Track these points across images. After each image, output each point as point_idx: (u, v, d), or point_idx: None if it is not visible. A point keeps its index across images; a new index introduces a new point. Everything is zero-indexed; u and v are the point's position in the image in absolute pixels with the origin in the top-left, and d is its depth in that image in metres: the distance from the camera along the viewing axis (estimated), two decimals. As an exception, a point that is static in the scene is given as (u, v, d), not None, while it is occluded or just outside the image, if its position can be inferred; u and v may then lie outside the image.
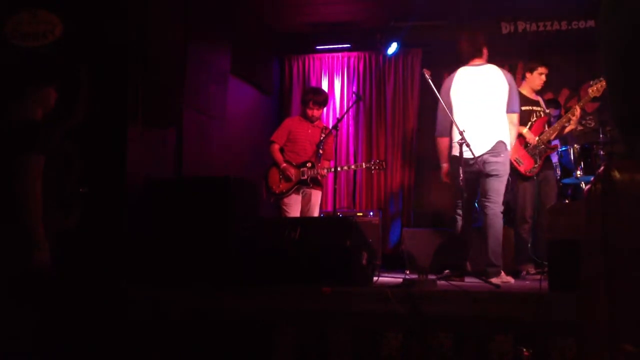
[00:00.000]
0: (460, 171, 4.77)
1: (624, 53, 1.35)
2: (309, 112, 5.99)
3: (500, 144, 4.87)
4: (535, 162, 5.35)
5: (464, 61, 5.11)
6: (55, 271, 3.32)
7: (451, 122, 4.97)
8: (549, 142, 5.41)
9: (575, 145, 5.87)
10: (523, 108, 5.45)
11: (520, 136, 5.39)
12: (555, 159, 6.14)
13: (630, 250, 1.19)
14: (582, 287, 1.29)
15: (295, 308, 3.79)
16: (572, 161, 5.83)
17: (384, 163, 5.97)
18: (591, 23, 6.82)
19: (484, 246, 4.80)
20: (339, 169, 6.15)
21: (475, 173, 4.88)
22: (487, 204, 4.85)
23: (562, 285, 3.60)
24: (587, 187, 1.28)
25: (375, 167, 5.94)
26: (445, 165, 5.19)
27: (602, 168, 1.25)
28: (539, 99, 5.63)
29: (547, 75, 5.61)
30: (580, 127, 6.44)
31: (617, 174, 1.21)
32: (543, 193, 5.31)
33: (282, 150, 5.98)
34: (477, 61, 5.10)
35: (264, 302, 3.86)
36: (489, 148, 4.84)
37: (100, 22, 4.59)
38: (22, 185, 3.11)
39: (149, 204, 4.54)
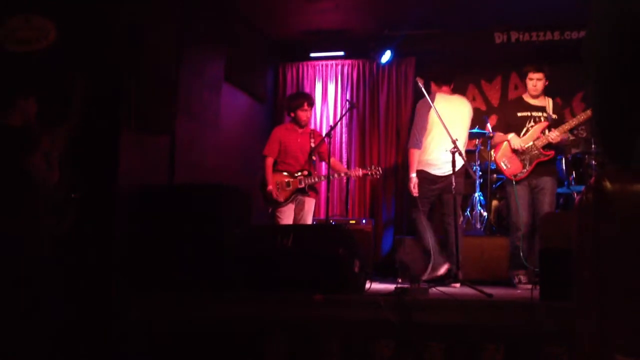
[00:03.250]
0: (452, 180, 5.03)
1: (602, 68, 1.37)
2: (304, 115, 5.94)
3: (462, 167, 5.33)
4: (524, 167, 5.26)
5: (437, 84, 5.62)
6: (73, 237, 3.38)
7: (423, 136, 5.49)
8: (545, 147, 5.31)
9: (567, 155, 5.88)
10: (519, 114, 5.43)
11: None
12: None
13: (621, 261, 1.19)
14: (574, 297, 1.30)
15: (287, 316, 3.78)
16: (564, 171, 5.84)
17: (379, 169, 5.93)
18: (584, 33, 6.86)
19: (456, 253, 5.14)
20: (335, 176, 6.15)
21: (439, 189, 5.43)
22: (450, 220, 5.34)
23: (554, 295, 3.61)
24: (579, 196, 1.28)
25: (371, 174, 5.92)
26: (414, 176, 5.53)
27: (593, 178, 1.25)
28: (545, 104, 5.45)
29: (540, 81, 5.42)
30: (572, 137, 6.43)
31: (608, 184, 1.21)
32: (536, 200, 5.27)
33: (276, 161, 5.94)
34: (447, 89, 5.62)
35: (256, 309, 3.85)
36: (456, 170, 5.24)
37: (94, 28, 4.59)
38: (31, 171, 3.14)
39: (141, 210, 4.52)
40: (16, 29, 4.62)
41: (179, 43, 5.38)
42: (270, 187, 5.76)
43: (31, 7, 4.64)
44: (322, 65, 8.03)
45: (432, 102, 5.42)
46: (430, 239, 5.40)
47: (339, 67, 7.99)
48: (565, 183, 5.81)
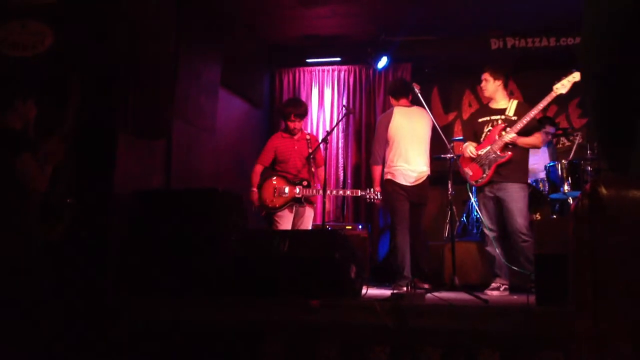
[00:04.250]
0: (449, 186, 4.98)
1: (598, 65, 1.38)
2: (291, 125, 5.98)
3: (427, 178, 5.73)
4: (484, 172, 5.14)
5: (395, 97, 5.88)
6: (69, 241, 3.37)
7: (385, 150, 5.73)
8: (504, 149, 5.09)
9: (563, 161, 5.88)
10: (480, 120, 5.36)
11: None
12: (542, 174, 6.14)
13: (617, 266, 1.20)
14: (570, 303, 1.30)
15: (283, 320, 3.78)
16: (560, 176, 5.84)
17: (378, 194, 5.86)
18: (579, 40, 6.89)
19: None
20: (334, 192, 6.37)
21: (409, 198, 5.64)
22: (422, 229, 5.80)
23: (550, 300, 3.61)
24: (574, 202, 1.29)
25: (368, 197, 5.89)
26: (377, 190, 5.83)
27: (589, 184, 1.26)
28: (507, 106, 5.28)
29: (487, 82, 5.30)
30: (567, 143, 6.45)
31: (604, 190, 1.22)
32: (504, 209, 5.12)
33: (272, 168, 5.97)
34: (405, 102, 5.81)
35: (252, 314, 3.84)
36: (420, 181, 5.67)
37: (91, 32, 4.59)
38: (24, 179, 3.15)
39: (137, 215, 4.52)
40: (13, 33, 4.62)
41: (176, 48, 5.39)
42: (254, 197, 5.83)
43: (28, 11, 4.64)
44: (318, 71, 8.04)
45: (391, 116, 5.73)
46: (407, 259, 5.53)
47: (336, 72, 8.00)
48: (561, 189, 5.81)
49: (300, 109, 6.05)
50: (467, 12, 6.71)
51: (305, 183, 5.87)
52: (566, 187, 5.76)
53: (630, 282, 1.17)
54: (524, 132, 5.11)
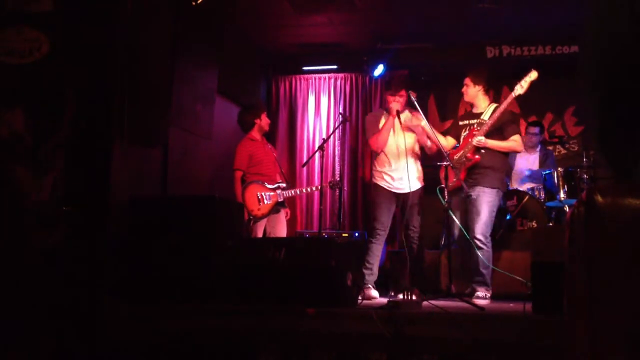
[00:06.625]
0: (445, 193, 4.92)
1: (600, 71, 1.38)
2: (266, 122, 6.09)
3: None
4: (455, 177, 5.08)
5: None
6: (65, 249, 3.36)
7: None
8: (475, 152, 5.04)
9: (559, 169, 5.89)
10: (460, 123, 5.37)
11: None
12: (526, 176, 6.15)
13: (612, 273, 1.20)
14: (566, 310, 1.30)
15: (279, 328, 3.77)
16: (556, 184, 5.85)
17: (338, 181, 6.02)
18: (575, 48, 6.92)
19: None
20: (298, 192, 6.32)
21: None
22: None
23: (546, 308, 3.61)
24: (570, 210, 1.29)
25: (332, 186, 6.03)
26: None
27: (584, 192, 1.26)
28: (484, 110, 5.21)
29: (467, 87, 5.31)
30: (564, 151, 6.47)
31: (599, 198, 1.22)
32: (468, 212, 5.03)
33: (245, 174, 5.90)
34: None
35: (248, 322, 3.83)
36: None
37: (87, 40, 4.59)
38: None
39: (133, 222, 4.51)
40: (8, 40, 4.61)
41: (172, 55, 5.39)
42: (250, 207, 5.73)
43: (24, 18, 4.63)
44: (315, 78, 8.06)
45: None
46: None
47: (332, 80, 8.02)
48: (557, 197, 5.83)
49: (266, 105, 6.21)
50: (463, 20, 6.74)
51: (283, 185, 5.89)
52: (562, 195, 5.77)
53: (625, 289, 1.17)
54: (499, 135, 5.06)
